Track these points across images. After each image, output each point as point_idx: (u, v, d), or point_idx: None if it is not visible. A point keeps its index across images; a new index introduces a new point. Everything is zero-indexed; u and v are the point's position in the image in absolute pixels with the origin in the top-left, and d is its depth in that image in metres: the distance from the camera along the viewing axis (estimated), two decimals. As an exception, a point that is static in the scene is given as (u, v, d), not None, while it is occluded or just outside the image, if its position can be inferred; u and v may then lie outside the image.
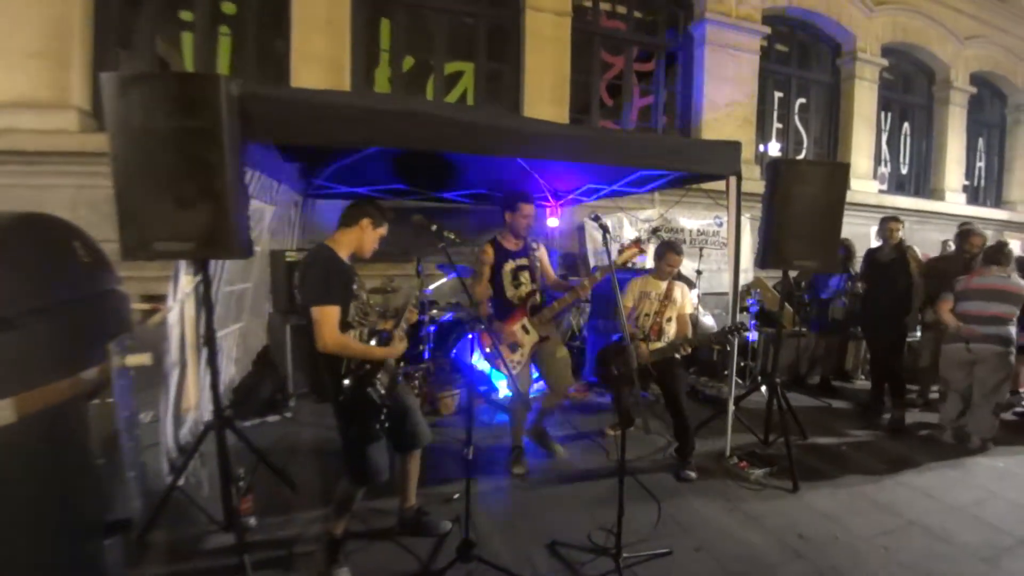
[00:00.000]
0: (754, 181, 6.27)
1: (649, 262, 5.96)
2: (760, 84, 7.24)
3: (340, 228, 2.19)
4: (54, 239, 1.79)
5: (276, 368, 4.32)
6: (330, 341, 1.96)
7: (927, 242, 7.24)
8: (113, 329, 1.93)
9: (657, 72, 7.02)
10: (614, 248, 2.99)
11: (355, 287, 2.14)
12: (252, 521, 2.50)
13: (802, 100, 8.02)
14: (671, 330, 3.44)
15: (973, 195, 9.71)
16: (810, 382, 5.28)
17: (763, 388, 3.78)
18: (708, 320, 5.41)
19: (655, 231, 5.98)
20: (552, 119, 4.44)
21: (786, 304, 4.10)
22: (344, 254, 2.14)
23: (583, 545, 2.40)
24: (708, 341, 3.95)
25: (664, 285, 3.48)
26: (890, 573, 2.33)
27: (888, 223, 4.34)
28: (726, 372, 4.30)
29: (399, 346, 2.18)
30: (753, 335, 5.01)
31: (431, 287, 4.73)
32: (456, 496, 2.78)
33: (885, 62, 8.12)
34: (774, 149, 7.39)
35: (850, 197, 3.63)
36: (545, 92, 5.98)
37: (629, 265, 3.71)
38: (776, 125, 7.83)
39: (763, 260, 3.19)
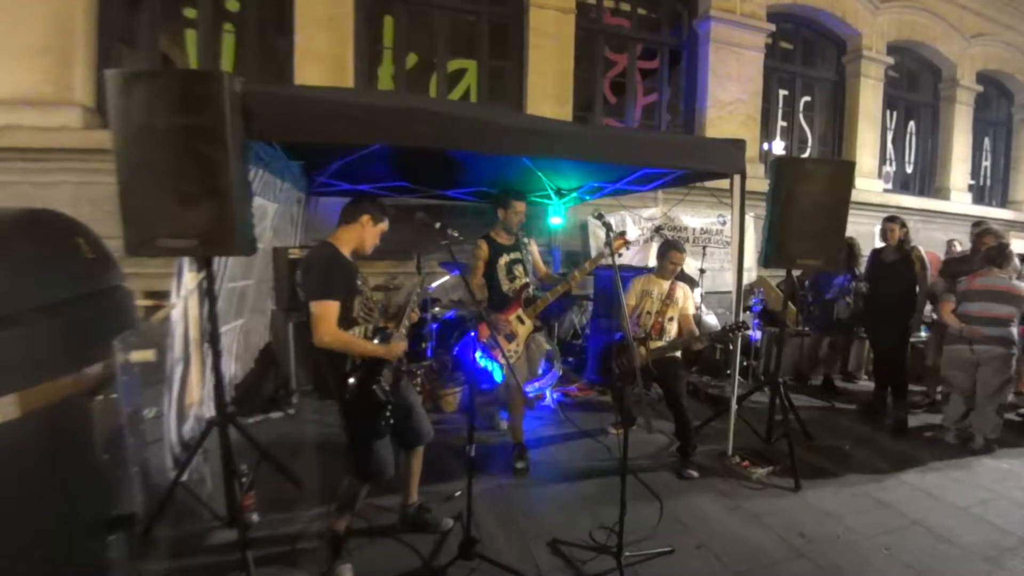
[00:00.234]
0: (758, 179, 6.25)
1: (637, 258, 5.98)
2: (764, 82, 7.18)
3: (341, 225, 2.19)
4: (57, 235, 1.79)
5: (279, 365, 4.34)
6: (327, 337, 1.95)
7: (932, 241, 7.18)
8: (117, 325, 1.93)
9: (661, 70, 6.98)
10: (617, 247, 3.00)
11: (359, 283, 2.14)
12: (255, 517, 2.52)
13: (807, 98, 7.96)
14: (672, 329, 3.46)
15: (979, 194, 9.62)
16: (813, 382, 5.26)
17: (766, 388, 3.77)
18: (712, 319, 5.40)
19: (658, 229, 5.96)
20: (555, 117, 4.42)
21: (789, 303, 4.08)
22: (346, 251, 2.15)
23: (585, 543, 2.40)
24: (713, 339, 3.95)
25: (667, 284, 3.49)
26: (892, 572, 2.32)
27: (887, 223, 4.30)
28: (728, 371, 4.30)
29: (398, 346, 2.17)
30: (756, 334, 5.00)
31: (433, 284, 4.73)
32: (458, 493, 2.79)
33: (891, 60, 8.04)
34: (778, 147, 7.35)
35: (855, 196, 3.59)
36: (548, 89, 5.96)
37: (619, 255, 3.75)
38: (780, 123, 7.77)
39: (767, 259, 3.17)
